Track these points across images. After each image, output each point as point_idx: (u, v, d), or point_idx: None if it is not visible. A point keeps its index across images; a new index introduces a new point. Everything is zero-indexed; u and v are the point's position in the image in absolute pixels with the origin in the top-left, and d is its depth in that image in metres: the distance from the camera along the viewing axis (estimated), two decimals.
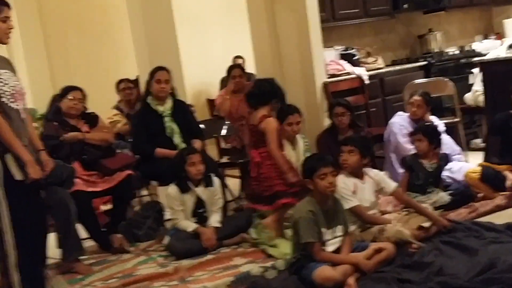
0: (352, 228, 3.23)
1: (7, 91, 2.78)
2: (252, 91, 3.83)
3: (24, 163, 2.76)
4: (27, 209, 2.82)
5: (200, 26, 7.77)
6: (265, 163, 3.68)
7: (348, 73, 5.32)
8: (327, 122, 4.64)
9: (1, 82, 2.77)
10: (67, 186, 3.64)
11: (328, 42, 5.40)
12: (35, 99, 6.07)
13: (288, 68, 5.14)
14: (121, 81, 5.60)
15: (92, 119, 4.19)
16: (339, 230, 3.03)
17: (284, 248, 3.44)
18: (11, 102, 2.80)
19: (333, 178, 2.99)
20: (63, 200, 3.52)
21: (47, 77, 6.93)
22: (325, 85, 4.96)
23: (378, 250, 3.00)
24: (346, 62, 5.43)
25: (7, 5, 2.85)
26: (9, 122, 2.77)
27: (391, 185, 3.49)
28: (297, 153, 4.22)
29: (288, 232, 3.43)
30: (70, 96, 4.03)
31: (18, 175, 2.77)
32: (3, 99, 2.77)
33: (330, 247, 3.00)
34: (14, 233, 2.79)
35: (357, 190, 3.36)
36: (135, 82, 5.62)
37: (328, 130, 4.52)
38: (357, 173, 3.42)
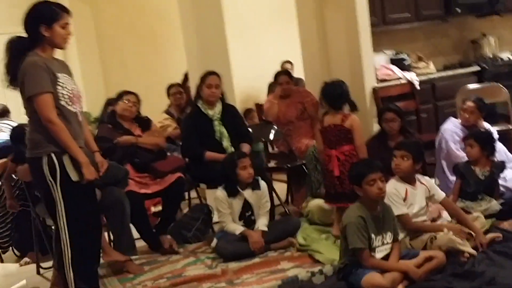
0: (402, 235, 3.20)
1: (65, 94, 2.88)
2: (332, 92, 3.82)
3: (80, 164, 2.84)
4: (83, 209, 2.91)
5: (249, 31, 7.81)
6: (351, 161, 3.66)
7: (399, 78, 5.25)
8: (376, 127, 4.59)
9: (60, 85, 2.86)
10: (121, 186, 3.75)
11: (378, 46, 5.34)
12: (89, 103, 6.26)
13: (337, 73, 5.11)
14: (171, 86, 5.72)
15: (145, 123, 4.31)
16: (388, 237, 3.01)
17: (331, 254, 3.43)
18: (69, 105, 2.90)
19: (382, 184, 2.97)
20: (119, 200, 3.63)
21: (101, 81, 7.14)
22: (375, 90, 4.91)
23: (429, 259, 2.96)
24: (397, 67, 5.36)
25: (68, 12, 2.94)
26: (67, 125, 2.86)
27: (441, 194, 3.44)
28: None
29: None
30: (125, 99, 4.16)
31: (74, 176, 2.86)
32: (62, 102, 2.86)
33: (379, 253, 2.97)
34: (70, 232, 2.88)
35: (408, 196, 3.32)
36: (185, 86, 5.73)
37: (377, 136, 4.46)
38: (409, 179, 3.38)
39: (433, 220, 3.50)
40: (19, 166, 3.89)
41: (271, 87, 6.66)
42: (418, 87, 5.29)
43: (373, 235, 2.94)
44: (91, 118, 5.75)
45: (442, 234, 3.15)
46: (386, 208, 3.08)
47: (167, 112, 5.61)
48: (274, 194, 4.38)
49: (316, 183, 4.29)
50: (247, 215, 3.86)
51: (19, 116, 5.73)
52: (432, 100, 5.54)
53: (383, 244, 2.99)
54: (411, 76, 5.32)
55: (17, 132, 4.18)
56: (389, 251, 3.00)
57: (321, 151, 3.79)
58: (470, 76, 5.77)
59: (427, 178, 3.54)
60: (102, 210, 3.47)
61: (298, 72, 6.88)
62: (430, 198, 3.43)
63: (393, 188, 3.29)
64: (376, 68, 5.14)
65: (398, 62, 5.43)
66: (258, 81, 7.48)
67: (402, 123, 4.31)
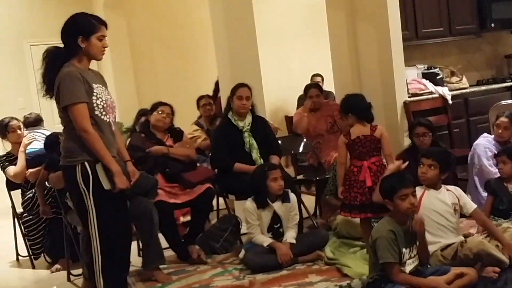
0: (434, 248, 3.15)
1: (99, 104, 2.93)
2: (360, 104, 3.81)
3: (113, 173, 2.89)
4: (114, 217, 2.95)
5: (281, 44, 7.87)
6: (382, 171, 3.63)
7: (431, 93, 5.20)
8: (407, 142, 4.55)
9: (95, 96, 2.92)
10: (151, 195, 3.79)
11: (410, 60, 5.32)
12: (121, 113, 6.35)
13: (368, 87, 5.09)
14: (201, 97, 5.77)
15: (177, 134, 4.37)
16: (414, 249, 2.98)
17: (359, 268, 3.41)
18: (103, 115, 2.96)
19: (414, 198, 2.94)
20: (148, 210, 3.67)
21: (133, 92, 7.25)
22: (406, 104, 4.87)
23: (460, 275, 2.90)
24: (429, 81, 5.31)
25: (105, 24, 3.01)
26: (100, 134, 2.91)
27: (471, 205, 3.36)
28: None
29: None
30: (160, 110, 4.23)
31: (106, 185, 2.90)
32: (96, 112, 2.92)
33: (408, 266, 2.94)
34: (101, 240, 2.92)
35: (424, 197, 3.28)
36: (215, 98, 5.78)
37: (408, 151, 4.42)
38: (434, 186, 3.35)
39: (465, 236, 3.43)
40: (52, 173, 3.97)
41: (301, 100, 6.69)
42: (451, 102, 5.23)
43: (403, 249, 2.91)
44: (123, 128, 5.83)
45: (473, 237, 3.09)
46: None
47: (197, 123, 5.67)
48: (302, 207, 4.36)
49: (329, 191, 4.25)
50: (275, 227, 3.86)
51: (52, 125, 5.87)
52: (465, 115, 5.47)
53: (411, 257, 2.96)
54: (444, 90, 5.26)
55: (51, 140, 4.28)
56: (417, 262, 2.97)
57: (342, 163, 3.75)
58: (504, 91, 5.69)
59: (456, 187, 3.46)
60: (131, 219, 3.51)
61: (328, 85, 6.88)
62: (459, 207, 3.35)
63: None
64: (407, 82, 5.10)
65: (430, 76, 5.39)
66: (288, 93, 7.53)
67: (434, 138, 4.28)
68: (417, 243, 3.00)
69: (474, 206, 3.37)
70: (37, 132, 4.84)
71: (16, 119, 4.80)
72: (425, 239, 3.05)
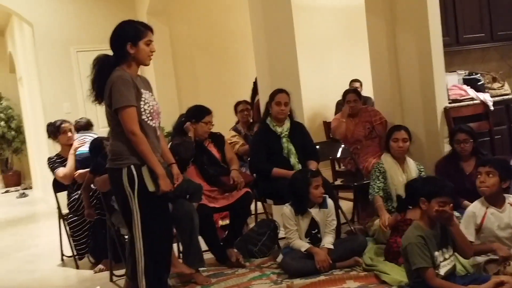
0: (480, 259, 3.12)
1: (146, 109, 3.02)
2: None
3: (157, 176, 2.97)
4: (158, 219, 3.02)
5: (319, 49, 7.90)
6: None
7: (472, 99, 5.13)
8: (447, 148, 4.50)
9: (143, 101, 3.01)
10: (195, 199, 3.87)
11: (450, 66, 5.26)
12: (163, 117, 6.49)
13: (407, 92, 5.07)
14: (239, 103, 5.83)
15: (218, 139, 4.44)
16: (448, 251, 2.96)
17: (397, 275, 3.40)
18: (149, 120, 3.04)
19: (450, 210, 2.92)
20: (189, 213, 3.74)
21: (174, 97, 7.38)
22: (447, 110, 4.82)
23: (500, 284, 2.87)
24: (470, 87, 5.25)
25: (151, 30, 3.09)
26: (147, 138, 2.99)
27: None
28: (408, 177, 4.16)
29: None
30: (206, 121, 4.27)
31: (151, 187, 2.98)
32: (143, 117, 3.01)
33: (443, 269, 2.92)
34: (145, 241, 3.00)
35: (485, 220, 3.21)
36: (252, 103, 5.84)
37: (448, 157, 4.38)
38: (496, 199, 3.26)
39: None
40: (97, 176, 4.09)
41: (339, 106, 6.69)
42: (492, 108, 5.15)
43: (435, 252, 2.90)
44: (165, 132, 5.95)
45: None
46: None
47: (234, 129, 5.73)
48: (340, 212, 4.37)
49: (376, 188, 4.20)
50: (313, 233, 3.88)
51: (97, 129, 6.03)
52: (507, 121, 5.37)
53: (445, 259, 2.94)
54: (485, 96, 5.18)
55: (96, 144, 4.40)
56: (453, 264, 2.96)
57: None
58: None
59: None
60: (172, 221, 3.58)
61: (367, 91, 6.87)
62: None
63: (472, 210, 3.22)
64: (448, 87, 5.05)
65: (471, 82, 5.31)
66: (326, 99, 7.55)
67: (475, 144, 4.23)
68: (451, 244, 2.97)
69: None
70: (88, 136, 4.99)
71: (68, 121, 4.96)
72: (461, 233, 3.01)
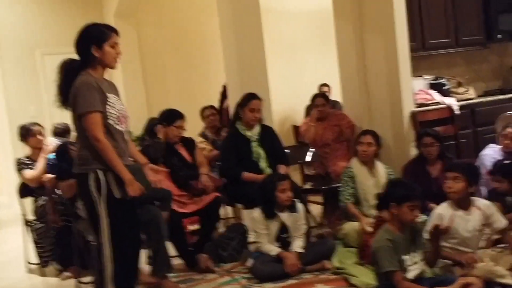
0: (447, 261, 3.18)
1: (113, 113, 2.97)
2: None
3: (125, 182, 2.93)
4: (125, 225, 2.98)
5: (288, 53, 7.94)
6: None
7: (438, 103, 5.22)
8: (414, 152, 4.57)
9: (109, 105, 2.96)
10: (165, 208, 3.83)
11: (417, 71, 5.35)
12: (131, 121, 6.42)
13: (375, 96, 5.13)
14: (205, 108, 5.81)
15: (189, 143, 4.42)
16: (418, 255, 3.00)
17: (366, 278, 3.42)
18: (117, 124, 3.00)
19: (418, 211, 2.96)
20: (156, 218, 3.70)
21: (143, 101, 7.31)
22: (413, 114, 4.90)
23: (466, 285, 2.91)
24: (436, 92, 5.34)
25: (116, 32, 3.05)
26: (113, 143, 2.95)
27: (502, 223, 3.33)
28: (377, 181, 4.21)
29: None
30: (177, 125, 4.26)
31: (117, 193, 2.94)
32: (110, 121, 2.96)
33: (411, 273, 2.95)
34: (112, 248, 2.95)
35: (453, 223, 3.25)
36: (220, 108, 5.82)
37: (415, 161, 4.45)
38: (463, 203, 3.31)
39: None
40: (61, 181, 4.01)
41: (308, 110, 6.73)
42: (458, 112, 5.25)
43: (403, 256, 2.93)
44: (133, 136, 5.88)
45: (483, 264, 3.09)
46: (415, 226, 3.06)
47: (202, 134, 5.70)
48: (309, 216, 4.39)
49: (346, 195, 4.23)
50: (283, 237, 3.89)
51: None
52: (472, 125, 5.48)
53: (414, 263, 2.97)
54: (451, 101, 5.29)
55: (61, 149, 4.33)
56: (421, 269, 2.99)
57: None
58: (511, 102, 5.69)
59: (488, 203, 3.42)
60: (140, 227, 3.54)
61: (335, 95, 6.93)
62: (487, 225, 3.34)
63: (439, 212, 3.27)
64: (414, 92, 5.13)
65: (437, 87, 5.42)
66: (296, 103, 7.59)
67: (441, 148, 4.30)
68: (419, 248, 3.01)
69: (504, 223, 3.34)
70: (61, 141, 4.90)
71: (38, 124, 4.87)
72: (439, 246, 3.06)
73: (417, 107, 5.05)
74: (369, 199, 4.17)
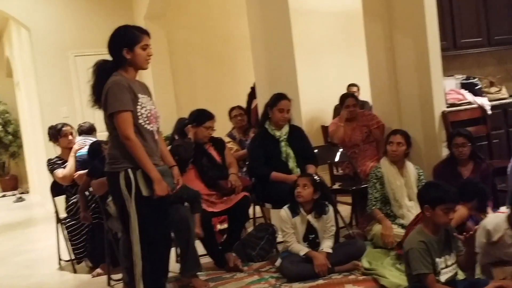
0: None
1: (144, 113, 3.02)
2: None
3: (153, 180, 2.96)
4: (154, 223, 3.01)
5: (317, 54, 7.91)
6: None
7: (469, 103, 5.14)
8: (445, 152, 4.51)
9: (140, 105, 3.01)
10: (195, 210, 3.85)
11: (448, 70, 5.27)
12: (161, 122, 6.49)
13: (405, 96, 5.07)
14: (233, 108, 5.84)
15: (219, 143, 4.44)
16: (451, 258, 2.95)
17: (396, 279, 3.40)
18: (147, 124, 3.04)
19: (453, 214, 2.91)
20: (185, 218, 3.73)
21: (172, 101, 7.38)
22: (444, 115, 4.83)
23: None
24: (467, 91, 5.26)
25: (147, 34, 3.09)
26: (143, 142, 2.99)
27: None
28: (406, 181, 4.17)
29: None
30: (207, 126, 4.29)
31: (145, 191, 2.98)
32: (140, 121, 3.01)
33: (444, 276, 2.90)
34: (142, 245, 2.98)
35: (503, 239, 3.03)
36: (248, 108, 5.84)
37: (446, 161, 4.39)
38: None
39: None
40: (94, 179, 4.08)
41: (337, 110, 6.70)
42: (490, 112, 5.16)
43: (436, 259, 2.89)
44: (162, 136, 5.94)
45: None
46: (449, 229, 3.00)
47: (230, 135, 5.72)
48: (338, 217, 4.37)
49: (373, 200, 4.23)
50: (311, 238, 3.88)
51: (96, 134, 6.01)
52: (504, 125, 5.38)
53: (447, 266, 2.92)
54: (482, 101, 5.20)
55: (93, 147, 4.41)
56: (455, 271, 2.94)
57: None
58: None
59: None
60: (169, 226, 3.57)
61: (364, 95, 6.88)
62: None
63: (492, 226, 3.04)
64: (446, 92, 5.06)
65: (469, 87, 5.33)
66: (324, 103, 7.55)
67: (473, 148, 4.23)
68: (454, 251, 2.96)
69: None
70: (89, 140, 4.99)
71: (68, 125, 4.97)
72: (474, 250, 2.99)
73: (448, 107, 4.97)
74: (399, 199, 4.15)
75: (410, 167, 4.26)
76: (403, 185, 4.18)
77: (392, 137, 4.23)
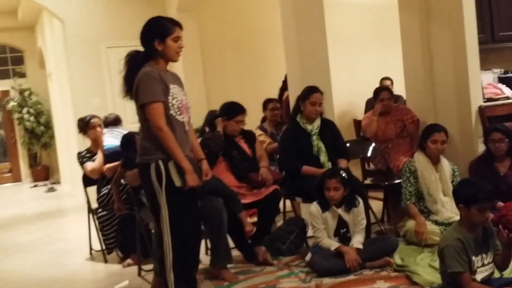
0: None
1: (175, 104, 3.01)
2: None
3: (184, 171, 2.95)
4: (185, 214, 3.01)
5: (350, 46, 7.83)
6: None
7: (507, 98, 5.00)
8: (481, 148, 4.41)
9: (171, 96, 3.00)
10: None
11: (485, 64, 5.13)
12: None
13: (441, 90, 4.96)
14: (269, 100, 5.79)
15: (250, 136, 4.42)
16: (488, 257, 2.88)
17: (429, 276, 3.33)
18: (178, 114, 3.03)
19: (489, 213, 2.84)
20: (217, 210, 3.73)
21: (203, 94, 7.39)
22: (481, 109, 4.70)
23: None
24: (505, 86, 5.12)
25: (180, 26, 3.09)
26: (174, 133, 2.98)
27: None
28: (441, 176, 4.08)
29: None
30: (239, 120, 4.27)
31: (177, 182, 2.97)
32: (171, 112, 3.00)
33: (479, 275, 2.84)
34: (173, 236, 2.98)
35: None
36: (280, 102, 5.79)
37: (482, 157, 4.30)
38: None
39: None
40: (128, 171, 4.10)
41: (369, 104, 6.61)
42: None
43: (473, 257, 2.82)
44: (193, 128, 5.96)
45: None
46: (487, 226, 2.93)
47: (261, 127, 5.69)
48: (370, 212, 4.30)
49: (408, 195, 4.15)
50: (342, 232, 3.83)
51: (125, 125, 6.06)
52: None
53: (483, 265, 2.86)
54: None
55: (127, 139, 4.42)
56: (491, 270, 2.87)
57: None
58: None
59: None
60: (201, 218, 3.57)
61: (397, 89, 6.77)
62: None
63: None
64: (483, 86, 4.93)
65: (507, 81, 5.19)
66: (356, 97, 7.47)
67: (510, 144, 4.14)
68: (491, 250, 2.89)
69: None
70: (115, 131, 5.02)
71: (97, 117, 5.01)
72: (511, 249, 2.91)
73: (485, 101, 4.84)
74: (433, 194, 4.07)
75: (444, 162, 4.18)
76: (438, 179, 4.10)
77: (436, 134, 4.10)
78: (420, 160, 4.14)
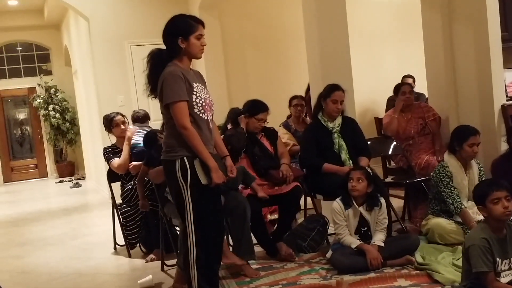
0: None
1: (198, 103, 3.05)
2: None
3: (210, 169, 2.99)
4: (210, 211, 3.05)
5: (372, 45, 7.79)
6: None
7: None
8: (504, 147, 4.37)
9: (195, 94, 3.04)
10: (249, 182, 3.91)
11: (509, 62, 5.09)
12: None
13: (463, 88, 4.93)
14: (294, 97, 5.82)
15: (271, 134, 4.46)
16: None
17: (451, 274, 3.33)
18: (201, 112, 3.07)
19: (508, 202, 2.80)
20: (242, 205, 3.77)
21: (224, 91, 7.43)
22: (504, 108, 4.67)
23: None
24: None
25: (202, 24, 3.12)
26: (198, 131, 3.02)
27: None
28: (470, 178, 4.07)
29: None
30: (259, 117, 4.32)
31: (203, 179, 3.01)
32: (195, 110, 3.04)
33: (504, 278, 2.82)
34: (197, 232, 3.03)
35: None
36: (305, 99, 5.81)
37: (505, 156, 4.26)
38: None
39: None
40: (151, 169, 4.16)
41: (390, 101, 6.58)
42: None
43: (498, 259, 2.81)
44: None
45: None
46: None
47: (285, 124, 5.71)
48: (391, 210, 4.31)
49: (457, 201, 4.01)
50: (363, 231, 3.84)
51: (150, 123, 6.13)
52: None
53: (510, 268, 2.84)
54: None
55: (149, 137, 4.48)
56: None
57: None
58: None
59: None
60: (224, 213, 3.62)
61: (419, 87, 6.73)
62: None
63: None
64: (506, 85, 4.89)
65: None
66: (378, 94, 7.44)
67: None
68: None
69: None
70: (143, 128, 5.09)
71: (121, 114, 5.08)
72: None
73: (509, 100, 4.81)
74: (463, 197, 4.05)
75: (474, 164, 4.16)
76: (466, 185, 4.07)
77: (473, 138, 4.02)
78: (452, 164, 4.10)
